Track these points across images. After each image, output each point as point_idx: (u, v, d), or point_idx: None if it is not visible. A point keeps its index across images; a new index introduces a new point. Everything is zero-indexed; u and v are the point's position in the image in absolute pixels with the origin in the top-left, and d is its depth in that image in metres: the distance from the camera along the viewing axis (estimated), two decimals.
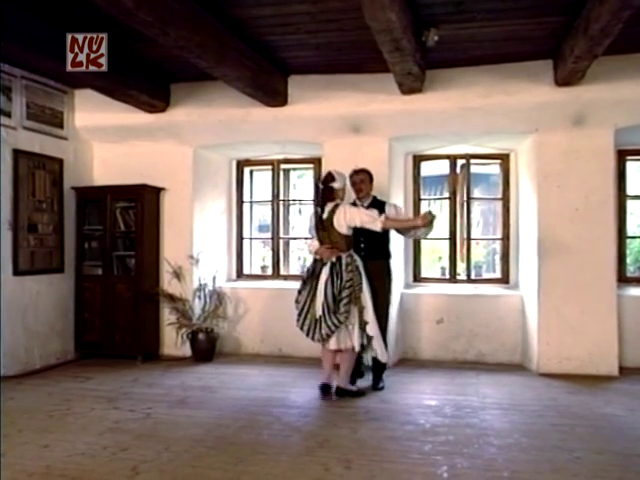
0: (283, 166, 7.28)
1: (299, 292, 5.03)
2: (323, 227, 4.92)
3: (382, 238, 5.22)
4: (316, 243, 4.98)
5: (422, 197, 6.95)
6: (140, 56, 5.57)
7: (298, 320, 4.98)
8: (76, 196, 6.58)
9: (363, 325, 4.80)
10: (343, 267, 4.79)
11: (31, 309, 5.97)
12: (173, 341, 6.58)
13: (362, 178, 5.31)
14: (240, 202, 7.41)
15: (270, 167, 7.28)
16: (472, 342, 6.44)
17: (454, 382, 5.54)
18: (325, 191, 4.96)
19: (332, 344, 4.88)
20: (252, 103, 5.99)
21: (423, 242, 6.88)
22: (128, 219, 6.56)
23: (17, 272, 5.80)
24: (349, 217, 4.85)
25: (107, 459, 3.60)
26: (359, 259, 4.93)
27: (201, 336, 6.47)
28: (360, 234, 5.00)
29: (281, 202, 7.29)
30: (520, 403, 4.83)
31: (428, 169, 7.04)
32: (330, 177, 4.96)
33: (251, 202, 7.51)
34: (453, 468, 3.45)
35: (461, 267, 6.83)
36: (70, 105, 6.50)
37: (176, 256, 6.65)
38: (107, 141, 6.81)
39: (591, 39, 4.30)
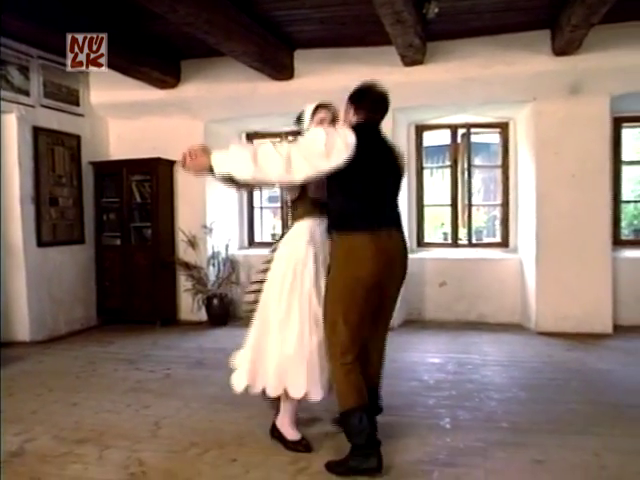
0: (291, 138, 7.24)
1: None
2: None
3: None
4: None
5: (424, 166, 6.93)
6: (151, 34, 5.53)
7: None
8: (94, 170, 6.61)
9: None
10: None
11: (55, 278, 6.05)
12: (189, 307, 6.67)
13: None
14: None
15: (278, 139, 7.25)
16: (474, 303, 6.48)
17: (457, 341, 5.61)
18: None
19: None
20: (260, 77, 5.97)
21: (426, 209, 6.90)
22: (144, 191, 6.61)
23: (41, 244, 5.86)
24: None
25: (131, 415, 3.69)
26: None
27: (215, 301, 6.55)
28: None
29: None
30: (519, 360, 4.89)
31: (430, 139, 7.00)
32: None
33: None
34: (455, 420, 3.51)
35: (463, 232, 6.85)
36: (85, 83, 6.47)
37: (190, 226, 6.68)
38: (122, 117, 6.81)
39: (588, 7, 4.25)
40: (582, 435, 3.26)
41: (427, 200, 6.95)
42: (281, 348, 2.97)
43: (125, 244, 6.59)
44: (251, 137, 7.34)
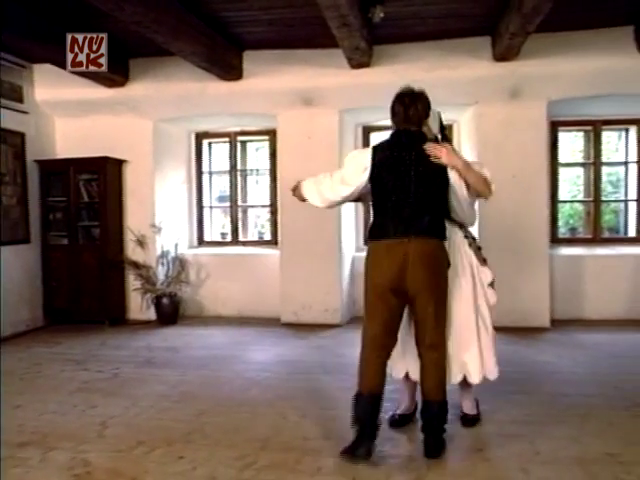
0: (240, 138, 7.24)
1: None
2: None
3: None
4: None
5: None
6: (99, 31, 5.41)
7: None
8: (39, 169, 6.43)
9: None
10: None
11: None
12: (138, 306, 6.59)
13: None
14: (199, 173, 7.36)
15: (227, 139, 7.24)
16: None
17: None
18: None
19: None
20: (209, 77, 5.95)
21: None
22: (91, 190, 6.47)
23: None
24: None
25: (77, 416, 3.63)
26: None
27: (165, 300, 6.49)
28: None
29: (238, 172, 7.27)
30: None
31: (377, 140, 7.05)
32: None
33: (210, 172, 7.45)
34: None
35: None
36: (29, 79, 6.29)
37: (139, 225, 6.59)
38: (68, 115, 6.65)
39: (524, 16, 4.40)
40: (519, 424, 3.38)
41: None
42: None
43: (72, 243, 6.44)
44: (200, 137, 7.29)
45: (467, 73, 5.69)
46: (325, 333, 5.88)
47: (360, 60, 5.55)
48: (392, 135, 3.10)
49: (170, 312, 6.52)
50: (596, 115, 6.44)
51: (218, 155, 7.54)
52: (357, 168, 3.05)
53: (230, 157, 7.24)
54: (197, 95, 6.20)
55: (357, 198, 3.30)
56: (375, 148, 3.08)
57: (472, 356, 3.20)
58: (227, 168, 7.30)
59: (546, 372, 4.43)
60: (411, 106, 3.02)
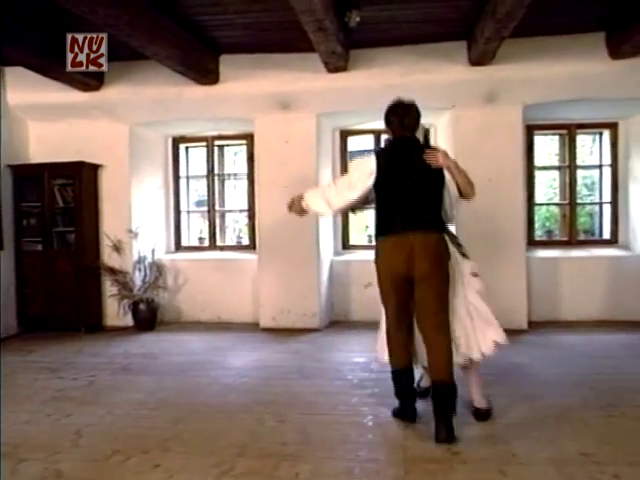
0: (217, 142, 7.20)
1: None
2: None
3: None
4: None
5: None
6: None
7: None
8: (12, 174, 6.33)
9: None
10: None
11: None
12: (115, 312, 6.50)
13: None
14: (176, 177, 7.29)
15: (205, 143, 7.20)
16: None
17: None
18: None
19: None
20: (185, 81, 5.90)
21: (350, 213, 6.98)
22: (66, 196, 6.38)
23: None
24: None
25: (50, 426, 3.56)
26: None
27: (142, 306, 6.41)
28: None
29: (216, 177, 7.23)
30: None
31: (354, 144, 7.10)
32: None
33: (187, 177, 7.40)
34: (377, 417, 3.58)
35: None
36: (1, 83, 6.19)
37: (115, 230, 6.52)
38: (42, 119, 6.55)
39: (498, 22, 4.43)
40: (496, 426, 3.39)
41: None
42: None
43: (47, 249, 6.34)
44: (177, 141, 7.24)
45: (443, 77, 5.71)
46: (304, 337, 5.85)
47: (337, 64, 5.55)
48: (392, 142, 3.51)
49: (147, 318, 6.45)
50: (571, 119, 6.51)
51: (195, 159, 7.49)
52: (363, 173, 3.39)
53: (207, 161, 7.20)
54: (173, 99, 6.15)
55: (360, 203, 3.60)
56: (377, 155, 3.43)
57: (466, 336, 3.46)
58: (204, 172, 7.25)
59: (523, 374, 4.46)
60: (406, 116, 3.42)
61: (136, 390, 4.21)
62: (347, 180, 3.50)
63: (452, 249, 3.46)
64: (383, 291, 3.49)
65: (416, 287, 3.32)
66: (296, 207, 3.65)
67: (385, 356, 3.60)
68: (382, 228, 3.45)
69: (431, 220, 3.35)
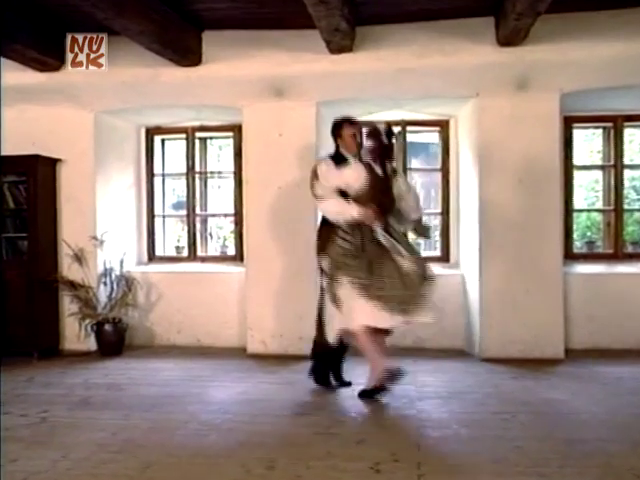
0: (199, 134, 7.20)
1: (337, 283, 4.71)
2: (384, 187, 4.76)
3: None
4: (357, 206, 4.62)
5: None
6: (28, 5, 5.33)
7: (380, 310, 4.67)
8: None
9: None
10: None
11: None
12: (75, 334, 6.49)
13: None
14: (150, 175, 7.30)
15: (184, 135, 7.20)
16: (410, 327, 6.54)
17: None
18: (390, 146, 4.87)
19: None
20: (161, 62, 5.92)
21: None
22: (18, 195, 6.41)
23: None
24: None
25: None
26: None
27: (108, 327, 6.41)
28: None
29: (197, 175, 7.22)
30: (460, 391, 4.97)
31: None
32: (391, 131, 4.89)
33: (163, 175, 7.41)
34: (385, 463, 3.50)
35: None
36: None
37: (77, 237, 6.52)
38: None
39: None
40: (529, 477, 3.32)
41: None
42: None
43: None
44: (152, 132, 7.22)
45: (466, 60, 5.72)
46: (298, 366, 5.77)
47: (341, 43, 5.55)
48: None
49: (114, 341, 6.44)
50: (617, 110, 6.51)
51: (173, 154, 7.52)
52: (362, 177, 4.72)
53: (187, 157, 7.21)
54: (147, 83, 6.17)
55: None
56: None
57: None
58: (184, 170, 7.26)
59: (560, 413, 4.40)
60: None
61: (97, 429, 4.15)
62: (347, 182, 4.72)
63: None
64: None
65: None
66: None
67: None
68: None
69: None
